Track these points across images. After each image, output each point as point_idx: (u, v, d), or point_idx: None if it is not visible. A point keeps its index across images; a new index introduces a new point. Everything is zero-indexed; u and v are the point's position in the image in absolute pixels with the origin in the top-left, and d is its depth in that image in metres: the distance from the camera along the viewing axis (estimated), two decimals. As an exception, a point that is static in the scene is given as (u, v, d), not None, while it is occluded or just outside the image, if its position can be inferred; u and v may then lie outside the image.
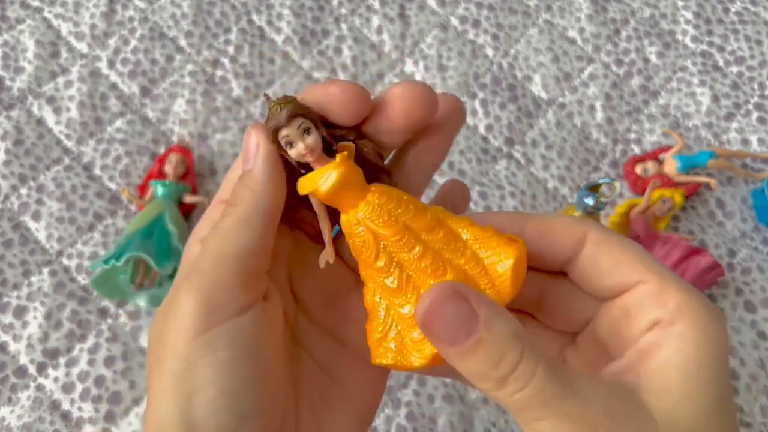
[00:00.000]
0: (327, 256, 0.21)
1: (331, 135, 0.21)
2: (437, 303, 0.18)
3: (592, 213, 0.42)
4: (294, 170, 0.21)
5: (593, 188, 0.42)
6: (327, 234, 0.21)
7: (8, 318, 0.43)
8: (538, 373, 0.17)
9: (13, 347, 0.42)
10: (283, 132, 0.20)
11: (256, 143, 0.21)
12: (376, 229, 0.20)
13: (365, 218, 0.20)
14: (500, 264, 0.20)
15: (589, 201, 0.42)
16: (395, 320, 0.20)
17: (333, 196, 0.20)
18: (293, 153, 0.20)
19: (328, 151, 0.21)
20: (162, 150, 0.49)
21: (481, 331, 0.17)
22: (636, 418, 0.18)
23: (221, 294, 0.19)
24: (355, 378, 0.23)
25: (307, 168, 0.21)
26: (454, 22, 0.56)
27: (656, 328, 0.19)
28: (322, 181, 0.20)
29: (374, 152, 0.22)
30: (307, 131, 0.20)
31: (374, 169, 0.22)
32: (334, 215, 0.21)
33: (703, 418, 0.18)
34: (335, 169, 0.20)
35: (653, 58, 0.56)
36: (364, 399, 0.23)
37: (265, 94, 0.21)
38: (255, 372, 0.20)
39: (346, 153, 0.21)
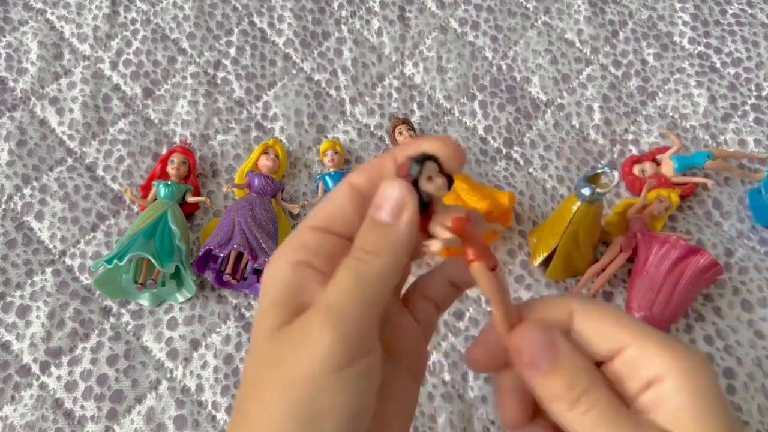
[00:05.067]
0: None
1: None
2: (527, 333, 0.23)
3: (591, 203, 0.43)
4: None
5: (593, 178, 0.42)
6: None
7: (11, 317, 0.43)
8: (603, 399, 0.21)
9: (16, 346, 0.42)
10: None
11: (401, 202, 0.22)
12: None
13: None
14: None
15: (586, 192, 0.42)
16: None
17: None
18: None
19: None
20: (164, 151, 0.49)
21: (559, 358, 0.22)
22: None
23: (364, 336, 0.21)
24: (403, 391, 0.25)
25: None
26: (454, 24, 0.57)
27: (652, 386, 0.21)
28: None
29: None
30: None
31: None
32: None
33: None
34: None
35: (651, 60, 0.56)
36: (409, 411, 0.26)
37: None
38: (371, 401, 0.22)
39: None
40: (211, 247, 0.43)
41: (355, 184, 0.23)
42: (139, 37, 0.53)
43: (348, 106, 0.52)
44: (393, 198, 0.22)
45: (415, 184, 0.23)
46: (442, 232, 0.24)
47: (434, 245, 0.24)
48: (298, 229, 0.24)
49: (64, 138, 0.49)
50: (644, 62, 0.56)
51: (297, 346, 0.20)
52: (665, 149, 0.51)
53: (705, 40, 0.57)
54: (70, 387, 0.41)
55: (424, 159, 0.23)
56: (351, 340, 0.20)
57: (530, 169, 0.51)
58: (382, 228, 0.22)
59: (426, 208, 0.24)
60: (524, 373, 0.22)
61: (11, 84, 0.50)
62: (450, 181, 0.24)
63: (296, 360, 0.20)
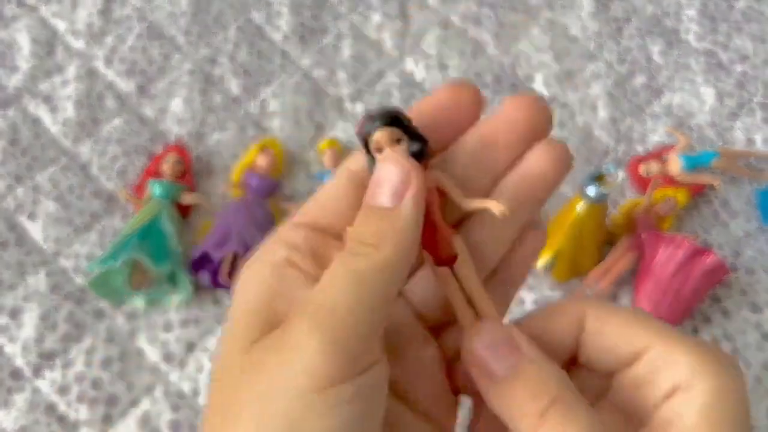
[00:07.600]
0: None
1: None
2: (481, 333, 0.19)
3: (597, 203, 0.42)
4: None
5: (597, 178, 0.42)
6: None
7: (4, 319, 0.42)
8: (576, 413, 0.18)
9: (8, 349, 0.42)
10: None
11: (405, 178, 0.18)
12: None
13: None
14: None
15: (591, 192, 0.42)
16: None
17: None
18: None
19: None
20: (159, 149, 0.48)
21: (522, 362, 0.18)
22: None
23: (362, 347, 0.17)
24: None
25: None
26: (455, 20, 0.56)
27: (675, 395, 0.18)
28: None
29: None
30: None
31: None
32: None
33: None
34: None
35: (656, 57, 0.55)
36: None
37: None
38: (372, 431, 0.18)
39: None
40: (208, 250, 0.42)
41: (355, 170, 0.20)
42: (134, 33, 0.52)
43: (347, 103, 0.52)
44: (392, 176, 0.18)
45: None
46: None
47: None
48: (280, 227, 0.20)
49: (58, 136, 0.48)
50: (649, 59, 0.55)
51: (277, 359, 0.17)
52: (671, 148, 0.50)
53: (712, 37, 0.56)
54: (63, 390, 0.41)
55: (378, 119, 0.19)
56: (344, 351, 0.17)
57: (533, 168, 0.50)
58: (381, 214, 0.18)
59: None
60: (480, 385, 0.19)
61: (3, 81, 0.50)
62: (421, 152, 0.19)
63: (276, 375, 0.17)
